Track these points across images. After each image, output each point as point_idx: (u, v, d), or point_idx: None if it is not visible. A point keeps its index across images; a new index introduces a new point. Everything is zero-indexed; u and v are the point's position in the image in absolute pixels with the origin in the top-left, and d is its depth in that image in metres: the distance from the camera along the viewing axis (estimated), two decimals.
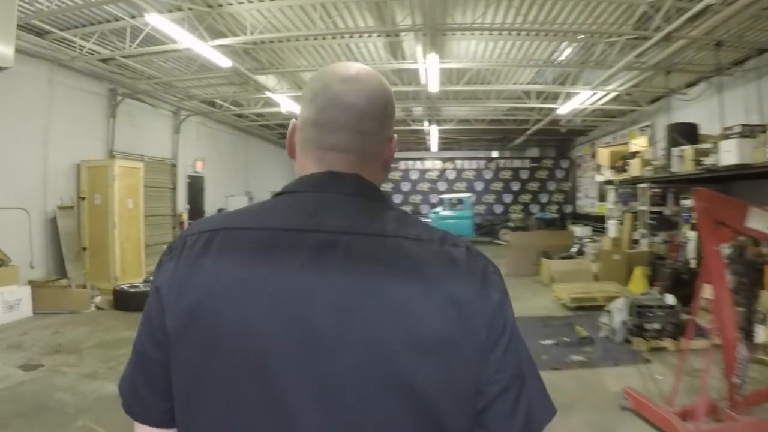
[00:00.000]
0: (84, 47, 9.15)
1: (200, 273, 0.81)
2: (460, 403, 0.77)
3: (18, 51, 8.26)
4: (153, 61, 10.81)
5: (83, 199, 10.02)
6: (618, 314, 6.48)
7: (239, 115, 17.18)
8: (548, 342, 6.55)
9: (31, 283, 8.42)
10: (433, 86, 11.13)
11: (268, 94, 12.77)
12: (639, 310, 6.35)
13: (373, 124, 0.89)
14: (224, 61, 9.25)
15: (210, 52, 8.70)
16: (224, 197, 17.31)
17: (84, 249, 9.99)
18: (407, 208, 24.26)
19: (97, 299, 8.79)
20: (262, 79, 11.43)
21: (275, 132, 20.60)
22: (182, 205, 14.60)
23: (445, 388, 0.75)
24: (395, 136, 0.96)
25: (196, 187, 15.52)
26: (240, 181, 18.86)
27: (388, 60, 11.14)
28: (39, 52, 9.00)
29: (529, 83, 13.06)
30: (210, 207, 16.26)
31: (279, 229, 0.82)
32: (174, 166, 14.21)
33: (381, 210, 0.86)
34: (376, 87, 0.90)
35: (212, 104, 15.16)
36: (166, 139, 13.88)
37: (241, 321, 0.76)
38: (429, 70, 10.03)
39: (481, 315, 0.78)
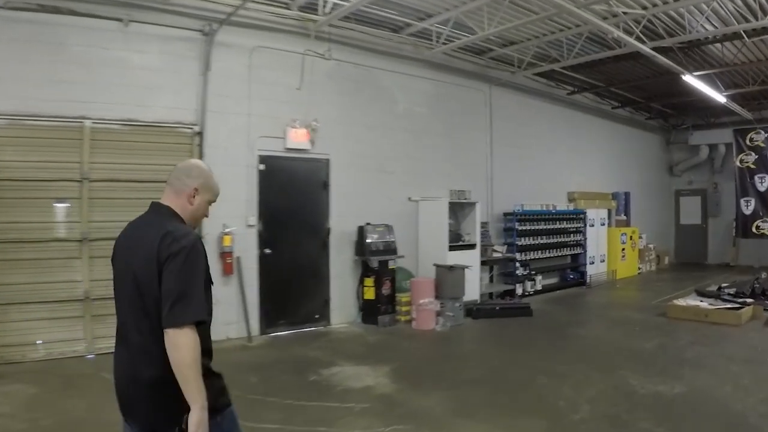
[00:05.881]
0: None
1: (116, 240, 2.13)
2: (156, 293, 1.86)
3: None
4: None
5: None
6: None
7: (425, 37, 8.40)
8: None
9: None
10: None
11: None
12: None
13: (182, 175, 2.09)
14: None
15: None
16: (406, 200, 8.75)
17: None
18: None
19: None
20: None
21: (566, 81, 10.21)
22: (245, 215, 7.09)
23: (151, 286, 1.88)
24: (196, 188, 2.08)
25: (292, 179, 7.66)
26: (455, 170, 9.63)
27: None
28: None
29: None
30: (343, 223, 7.99)
31: (132, 223, 2.14)
32: (198, 134, 6.86)
33: (158, 217, 2.03)
34: (189, 163, 2.22)
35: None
36: (173, 85, 6.77)
37: (116, 254, 2.10)
38: None
39: (163, 258, 1.86)
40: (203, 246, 1.97)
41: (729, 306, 8.15)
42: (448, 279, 7.81)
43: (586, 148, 12.83)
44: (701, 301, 8.64)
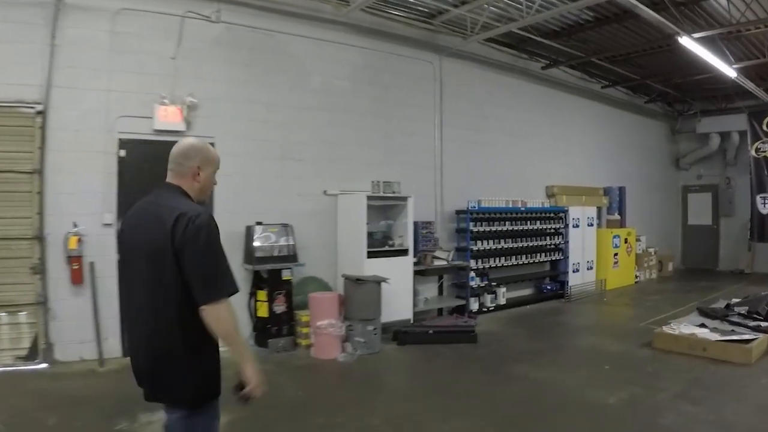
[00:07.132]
0: None
1: (125, 218, 2.37)
2: (173, 272, 2.03)
3: None
4: None
5: None
6: None
7: None
8: None
9: None
10: None
11: None
12: None
13: (181, 159, 2.25)
14: None
15: None
16: (321, 194, 7.07)
17: None
18: None
19: None
20: None
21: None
22: (100, 211, 5.70)
23: (166, 263, 2.03)
24: (198, 166, 2.25)
25: (162, 167, 5.98)
26: (389, 157, 7.81)
27: None
28: None
29: None
30: (233, 222, 6.32)
31: (141, 202, 2.29)
32: (40, 113, 5.43)
33: (167, 196, 2.18)
34: (184, 145, 2.29)
35: None
36: (16, 57, 5.42)
37: (125, 234, 2.31)
38: None
39: (180, 239, 2.01)
40: (215, 220, 2.12)
41: (736, 337, 6.21)
42: (357, 295, 6.11)
43: (570, 135, 10.95)
44: (702, 325, 6.68)
